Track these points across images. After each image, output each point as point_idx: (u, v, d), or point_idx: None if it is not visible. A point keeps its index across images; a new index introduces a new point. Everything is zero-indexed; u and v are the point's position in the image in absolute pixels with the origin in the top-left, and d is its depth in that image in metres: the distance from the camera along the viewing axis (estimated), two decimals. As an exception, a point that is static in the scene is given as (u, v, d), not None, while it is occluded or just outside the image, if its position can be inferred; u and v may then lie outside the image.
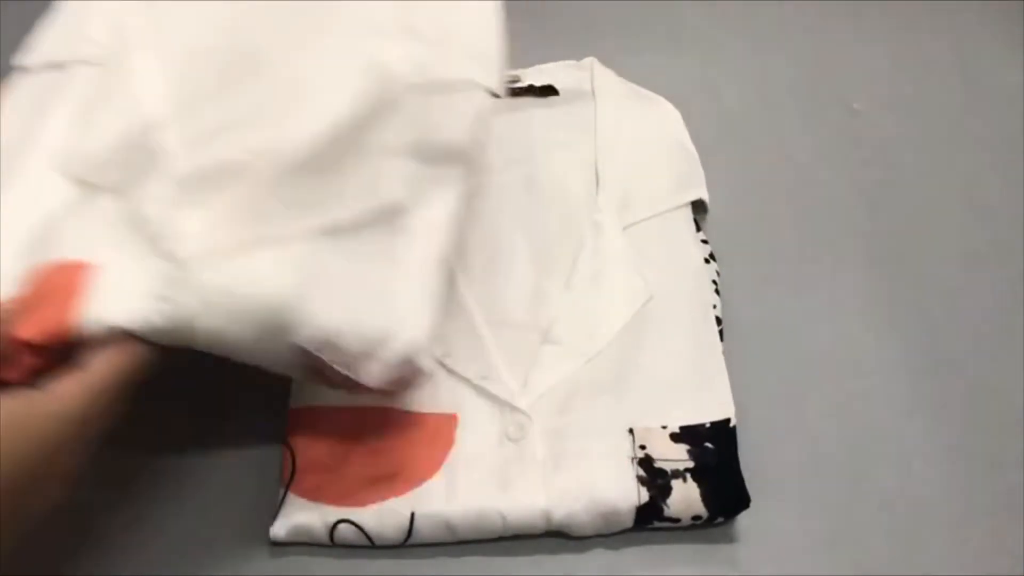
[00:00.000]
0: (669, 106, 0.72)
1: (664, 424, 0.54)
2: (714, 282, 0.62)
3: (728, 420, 0.55)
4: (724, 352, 0.58)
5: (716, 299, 0.61)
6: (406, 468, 0.54)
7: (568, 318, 0.59)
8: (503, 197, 0.64)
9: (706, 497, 0.52)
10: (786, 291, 0.64)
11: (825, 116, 0.75)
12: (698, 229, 0.65)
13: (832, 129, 0.74)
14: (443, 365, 0.57)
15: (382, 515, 0.52)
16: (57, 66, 0.50)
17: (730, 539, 0.53)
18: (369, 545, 0.52)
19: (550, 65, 0.75)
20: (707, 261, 0.63)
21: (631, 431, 0.54)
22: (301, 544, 0.53)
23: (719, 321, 0.60)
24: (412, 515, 0.51)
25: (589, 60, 0.74)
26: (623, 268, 0.61)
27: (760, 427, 0.56)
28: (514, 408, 0.55)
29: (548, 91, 0.71)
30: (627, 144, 0.68)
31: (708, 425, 0.54)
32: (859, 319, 0.62)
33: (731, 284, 0.62)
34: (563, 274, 0.61)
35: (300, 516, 0.52)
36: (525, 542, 0.53)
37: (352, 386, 0.47)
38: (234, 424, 0.57)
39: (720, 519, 0.52)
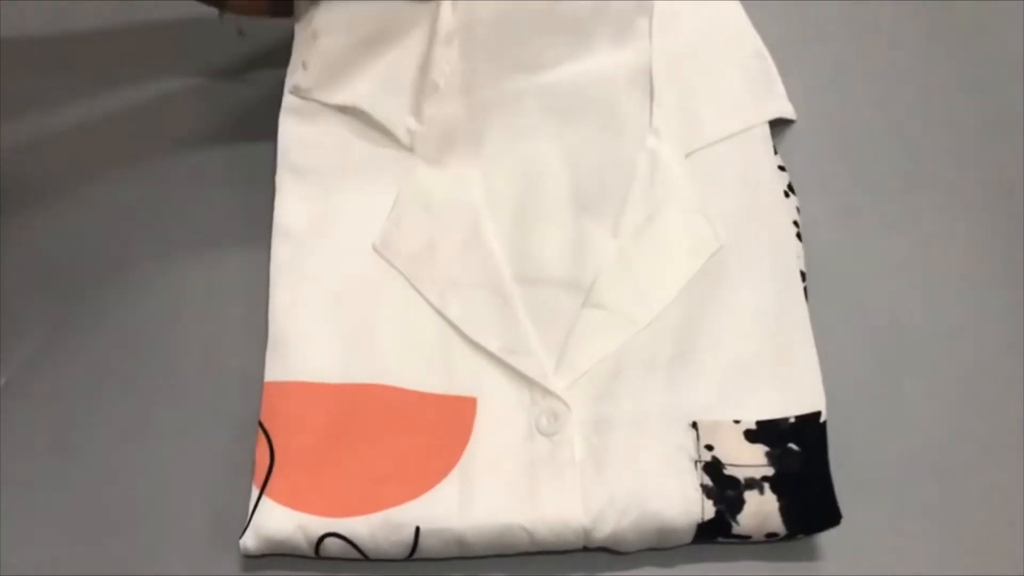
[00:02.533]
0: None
1: (737, 417, 0.43)
2: (795, 223, 0.49)
3: (818, 414, 0.43)
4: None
5: (799, 248, 0.49)
6: (410, 467, 0.43)
7: (616, 274, 0.47)
8: (536, 108, 0.52)
9: (787, 512, 0.41)
10: (878, 237, 0.51)
11: (934, 13, 0.60)
12: (775, 152, 0.52)
13: (943, 30, 0.59)
14: (459, 331, 0.45)
15: (379, 528, 0.41)
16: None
17: (811, 556, 0.43)
18: (362, 559, 0.41)
19: None
20: (786, 195, 0.50)
21: (695, 425, 0.43)
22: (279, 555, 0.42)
23: (803, 278, 0.47)
24: (417, 530, 0.41)
25: None
26: (685, 209, 0.49)
27: (846, 416, 0.45)
28: (547, 391, 0.44)
29: None
30: (687, 45, 0.54)
31: (793, 420, 0.43)
32: (969, 276, 0.50)
33: (808, 225, 0.50)
34: (610, 217, 0.49)
35: (277, 527, 0.41)
36: (554, 555, 0.43)
37: None
38: (196, 396, 0.46)
39: (800, 535, 0.42)
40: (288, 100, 0.52)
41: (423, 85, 0.51)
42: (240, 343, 0.47)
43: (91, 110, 0.55)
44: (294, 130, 0.51)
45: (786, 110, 0.54)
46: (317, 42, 0.52)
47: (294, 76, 0.52)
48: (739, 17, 0.57)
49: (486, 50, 0.52)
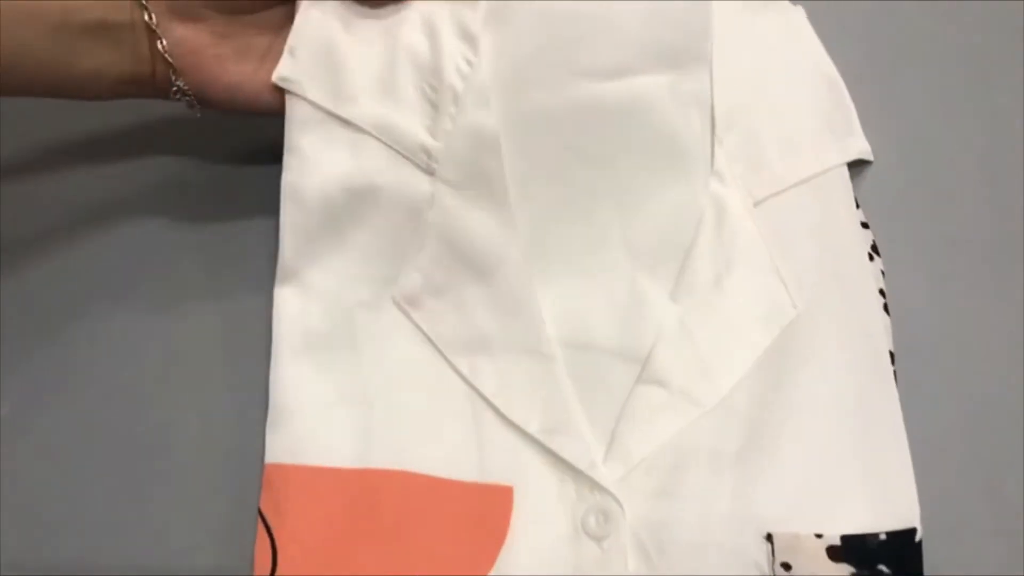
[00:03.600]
0: (794, 10, 0.50)
1: (819, 531, 0.37)
2: (881, 293, 0.43)
3: (913, 532, 0.37)
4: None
5: (887, 321, 0.42)
6: (437, 570, 0.37)
7: (676, 345, 0.40)
8: (589, 124, 0.42)
9: (874, 644, 0.35)
10: (973, 308, 0.45)
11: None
12: (857, 206, 0.45)
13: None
14: (492, 406, 0.39)
15: None
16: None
17: None
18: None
19: None
20: (871, 257, 0.44)
21: (769, 538, 0.37)
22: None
23: (892, 359, 0.41)
24: (444, 651, 0.35)
25: None
26: (756, 270, 0.42)
27: (940, 529, 0.39)
28: (595, 484, 0.38)
29: None
30: (750, 69, 0.46)
31: (884, 537, 0.37)
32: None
33: (891, 294, 0.44)
34: (670, 275, 0.42)
35: None
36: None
37: None
38: (188, 472, 0.40)
39: (886, 668, 0.36)
40: (293, 118, 0.42)
41: (435, 89, 0.41)
42: (238, 412, 0.41)
43: (88, 161, 0.48)
44: (297, 147, 0.42)
45: (864, 150, 0.47)
46: (308, 20, 0.42)
47: (281, 64, 0.42)
48: (808, 36, 0.50)
49: (527, 47, 0.42)
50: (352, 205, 0.41)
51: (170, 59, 0.40)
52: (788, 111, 0.46)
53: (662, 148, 0.43)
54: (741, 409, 0.39)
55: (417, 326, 0.41)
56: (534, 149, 0.42)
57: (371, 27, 0.42)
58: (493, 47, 0.42)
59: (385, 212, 0.41)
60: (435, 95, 0.41)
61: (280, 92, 0.42)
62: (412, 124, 0.41)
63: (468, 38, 0.42)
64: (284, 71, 0.42)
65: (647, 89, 0.42)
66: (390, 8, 0.43)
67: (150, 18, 0.40)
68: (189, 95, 0.42)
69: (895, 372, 0.41)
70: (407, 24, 0.42)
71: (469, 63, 0.41)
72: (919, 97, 0.50)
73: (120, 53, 0.40)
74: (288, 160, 0.41)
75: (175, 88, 0.41)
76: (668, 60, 0.43)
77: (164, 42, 0.40)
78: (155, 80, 0.41)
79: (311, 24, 0.42)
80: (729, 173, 0.43)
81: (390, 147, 0.41)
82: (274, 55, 0.42)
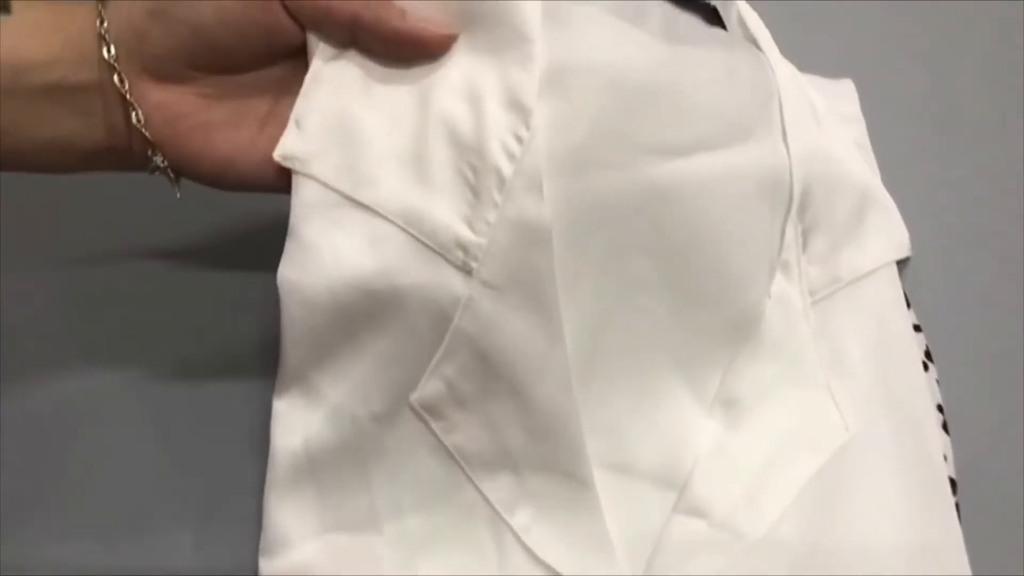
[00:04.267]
0: (829, 89, 0.47)
1: None
2: (939, 409, 0.39)
3: None
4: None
5: (947, 443, 0.39)
6: None
7: (717, 468, 0.37)
8: (645, 222, 0.35)
9: None
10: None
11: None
12: (908, 306, 0.41)
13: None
14: (520, 541, 0.35)
15: None
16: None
17: None
18: None
19: None
20: (926, 366, 0.40)
21: None
22: None
23: (954, 488, 0.37)
24: None
25: None
26: (807, 383, 0.38)
27: None
28: (632, 634, 0.34)
29: (713, 17, 0.41)
30: (814, 148, 0.40)
31: None
32: None
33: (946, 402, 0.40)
34: (711, 385, 0.38)
35: None
36: None
37: None
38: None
39: None
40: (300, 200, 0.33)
41: (477, 171, 0.33)
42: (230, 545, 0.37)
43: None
44: (302, 237, 0.33)
45: (906, 243, 0.43)
46: (318, 87, 0.34)
47: (285, 138, 0.33)
48: (852, 105, 0.47)
49: (589, 120, 0.34)
50: (369, 309, 0.33)
51: (146, 132, 0.32)
52: (848, 197, 0.41)
53: (729, 237, 0.36)
54: (788, 542, 0.36)
55: (437, 438, 0.35)
56: (588, 240, 0.34)
57: (398, 91, 0.34)
58: (549, 120, 0.33)
59: (409, 317, 0.33)
60: (476, 179, 0.32)
61: (285, 168, 0.33)
62: (447, 213, 0.32)
63: (519, 109, 0.32)
64: (289, 147, 0.33)
65: (721, 167, 0.36)
66: (422, 66, 0.34)
67: (121, 82, 0.32)
68: (169, 171, 0.34)
69: (957, 504, 0.37)
70: (443, 87, 0.33)
71: (520, 140, 0.32)
72: (958, 181, 0.46)
73: (88, 122, 0.32)
74: (290, 249, 0.33)
75: (153, 165, 0.34)
76: (743, 130, 0.36)
77: (139, 112, 0.32)
78: (132, 154, 0.33)
79: (323, 88, 0.33)
80: (796, 266, 0.38)
81: (418, 240, 0.33)
82: (276, 121, 0.34)
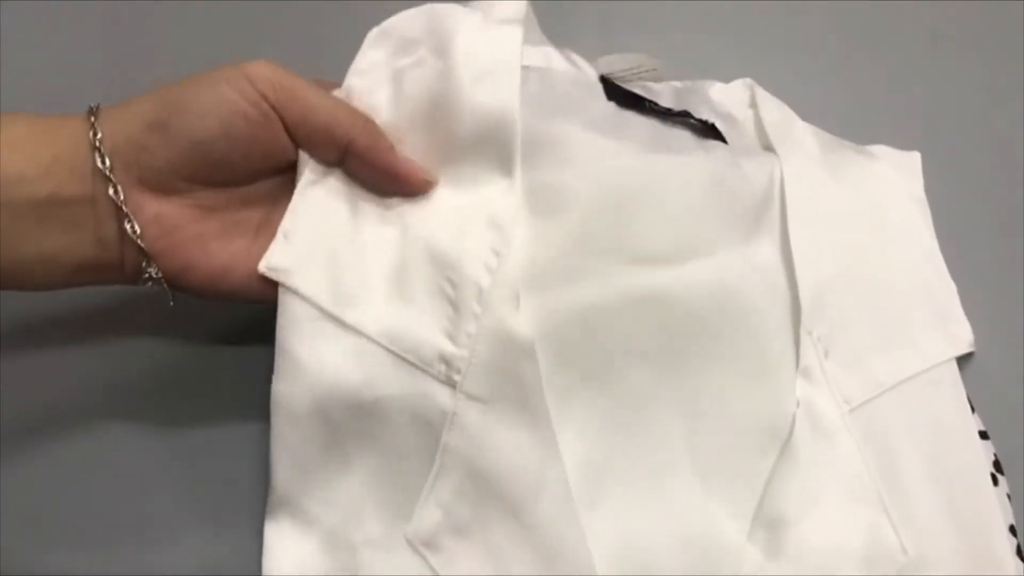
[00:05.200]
0: (894, 162, 0.43)
1: None
2: (1012, 530, 0.35)
3: None
4: None
5: (1020, 566, 0.34)
6: None
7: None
8: (646, 323, 0.35)
9: None
10: None
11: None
12: (972, 410, 0.37)
13: None
14: None
15: None
16: None
17: None
18: None
19: (670, 84, 0.44)
20: (994, 480, 0.36)
21: None
22: None
23: (1033, 624, 0.33)
24: None
25: (744, 83, 0.44)
26: (857, 498, 0.34)
27: None
28: None
29: (710, 132, 0.41)
30: (845, 242, 0.39)
31: None
32: None
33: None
34: (746, 503, 0.34)
35: None
36: None
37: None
38: None
39: None
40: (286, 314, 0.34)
41: (456, 285, 0.33)
42: None
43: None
44: (288, 350, 0.33)
45: (967, 339, 0.39)
46: (306, 204, 0.34)
47: (271, 250, 0.34)
48: (912, 194, 0.43)
49: (569, 232, 0.35)
50: (356, 423, 0.33)
51: (142, 243, 0.32)
52: (885, 292, 0.38)
53: (736, 343, 0.35)
54: None
55: (429, 565, 0.33)
56: (579, 353, 0.34)
57: (383, 211, 0.35)
58: (528, 234, 0.34)
59: (397, 431, 0.33)
60: (455, 293, 0.33)
61: (274, 280, 0.34)
62: (428, 329, 0.33)
63: (499, 228, 0.34)
64: (275, 259, 0.33)
65: (714, 273, 0.35)
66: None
67: (116, 193, 0.31)
68: (163, 282, 0.34)
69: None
70: (427, 208, 0.35)
71: (497, 254, 0.33)
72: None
73: (78, 236, 0.32)
74: (279, 364, 0.33)
75: (147, 276, 0.33)
76: (737, 234, 0.36)
77: (135, 224, 0.32)
78: (123, 267, 0.33)
79: (312, 204, 0.34)
80: (819, 371, 0.36)
81: (401, 356, 0.33)
82: (269, 231, 0.34)
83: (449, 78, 0.34)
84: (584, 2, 0.49)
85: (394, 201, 0.35)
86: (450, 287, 0.33)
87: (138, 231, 0.32)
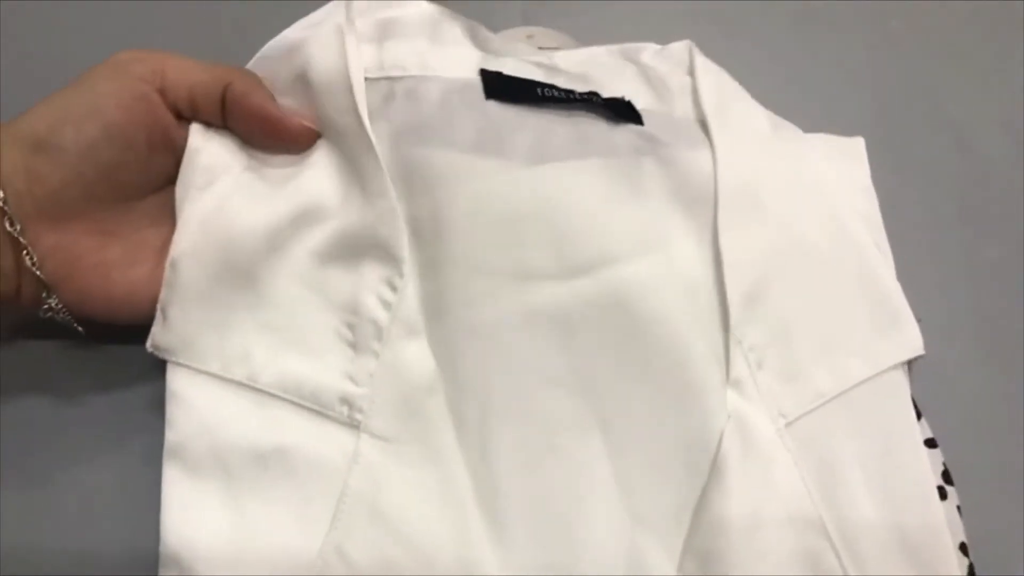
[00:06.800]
0: (837, 148, 0.41)
1: None
2: (963, 548, 0.32)
3: None
4: None
5: (974, 594, 0.32)
6: None
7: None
8: (549, 345, 0.33)
9: None
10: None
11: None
12: (919, 417, 0.35)
13: None
14: None
15: None
16: None
17: None
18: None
19: (593, 50, 0.42)
20: (942, 493, 0.33)
21: None
22: None
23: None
24: None
25: (684, 46, 0.41)
26: (795, 522, 0.32)
27: None
28: None
29: (623, 111, 0.38)
30: (777, 243, 0.36)
31: None
32: None
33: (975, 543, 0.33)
34: (677, 531, 0.32)
35: None
36: None
37: None
38: None
39: None
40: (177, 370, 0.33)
41: (353, 328, 0.32)
42: None
43: None
44: (182, 397, 0.32)
45: (915, 341, 0.36)
46: (176, 274, 0.33)
47: (153, 330, 0.33)
48: (858, 182, 0.40)
49: (467, 253, 0.34)
50: (254, 473, 0.31)
51: (40, 274, 0.31)
52: (828, 292, 0.36)
53: (650, 358, 0.33)
54: None
55: None
56: (484, 381, 0.32)
57: (263, 265, 0.33)
58: (417, 263, 0.33)
59: (298, 480, 0.31)
60: (353, 335, 0.32)
61: None
62: (326, 373, 0.32)
63: (391, 260, 0.33)
64: (156, 339, 0.32)
65: (614, 284, 0.34)
66: (287, 236, 0.33)
67: (13, 226, 0.30)
68: (64, 314, 0.32)
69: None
70: (311, 254, 0.33)
71: (394, 288, 0.32)
72: (983, 264, 0.40)
73: None
74: (172, 413, 0.32)
75: (46, 307, 0.32)
76: (650, 236, 0.34)
77: (33, 255, 0.31)
78: (20, 299, 0.32)
79: (185, 271, 0.33)
80: (752, 384, 0.33)
81: (300, 404, 0.32)
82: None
83: (306, 93, 0.35)
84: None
85: (274, 255, 0.33)
86: (348, 330, 0.32)
87: (37, 262, 0.31)
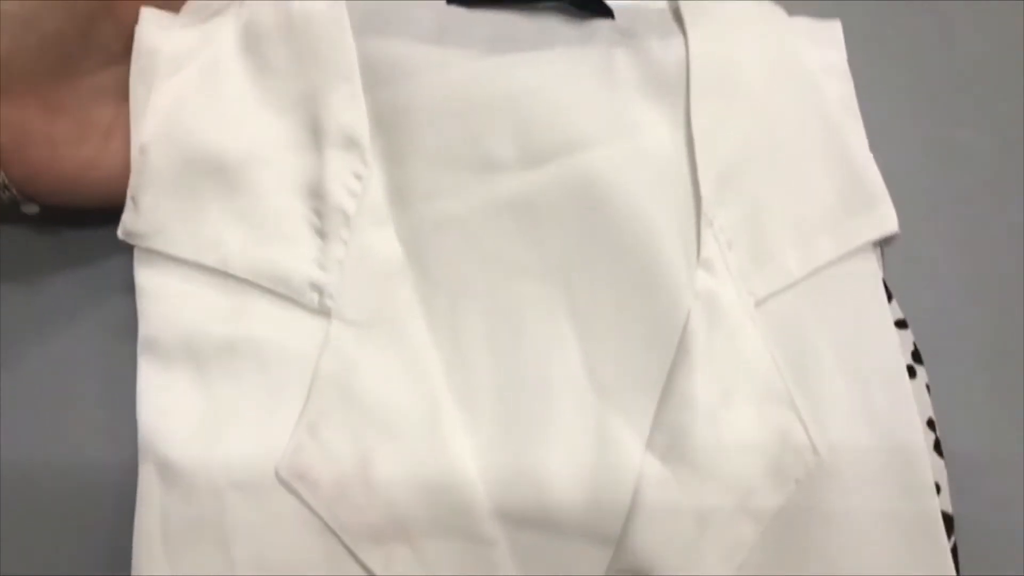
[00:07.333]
0: (812, 31, 0.40)
1: None
2: (930, 424, 0.33)
3: None
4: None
5: (940, 466, 0.32)
6: None
7: (658, 513, 0.30)
8: (517, 231, 0.33)
9: None
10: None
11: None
12: (890, 298, 0.34)
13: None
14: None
15: None
16: None
17: None
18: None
19: None
20: (911, 372, 0.33)
21: None
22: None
23: (950, 528, 0.31)
24: None
25: None
26: (764, 397, 0.32)
27: None
28: None
29: (593, 7, 0.37)
30: (750, 124, 0.35)
31: None
32: None
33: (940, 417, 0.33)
34: (645, 410, 0.32)
35: None
36: None
37: None
38: None
39: None
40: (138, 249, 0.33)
41: (320, 214, 0.32)
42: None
43: None
44: (151, 291, 0.32)
45: (890, 221, 0.36)
46: (146, 161, 0.33)
47: (124, 217, 0.33)
48: (834, 66, 0.39)
49: (430, 144, 0.34)
50: (225, 361, 0.31)
51: None
52: (801, 173, 0.35)
53: (625, 243, 0.33)
54: None
55: (311, 509, 0.30)
56: (453, 271, 0.33)
57: (232, 151, 0.33)
58: (382, 154, 0.34)
59: (269, 366, 0.31)
60: (322, 222, 0.32)
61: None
62: (296, 259, 0.32)
63: (355, 146, 0.33)
64: (128, 225, 0.32)
65: (578, 169, 0.33)
66: (254, 126, 0.33)
67: None
68: (12, 191, 0.32)
69: (955, 548, 0.30)
70: (277, 141, 0.33)
71: (359, 177, 0.33)
72: (959, 146, 0.39)
73: None
74: (143, 307, 0.32)
75: None
76: (617, 124, 0.34)
77: None
78: None
79: (154, 156, 0.33)
80: (722, 263, 0.33)
81: (271, 290, 0.32)
82: (119, 134, 0.33)
83: None
84: None
85: (241, 138, 0.33)
86: (316, 217, 0.32)
87: None
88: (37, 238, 0.35)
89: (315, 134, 0.33)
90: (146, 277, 0.32)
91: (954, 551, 0.30)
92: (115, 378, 0.32)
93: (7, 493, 0.31)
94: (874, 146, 0.37)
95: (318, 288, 0.32)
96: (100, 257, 0.35)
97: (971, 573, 0.30)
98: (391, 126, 0.34)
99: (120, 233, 0.32)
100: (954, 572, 0.30)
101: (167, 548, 0.29)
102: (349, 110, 0.33)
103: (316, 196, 0.32)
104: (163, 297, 0.32)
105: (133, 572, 0.29)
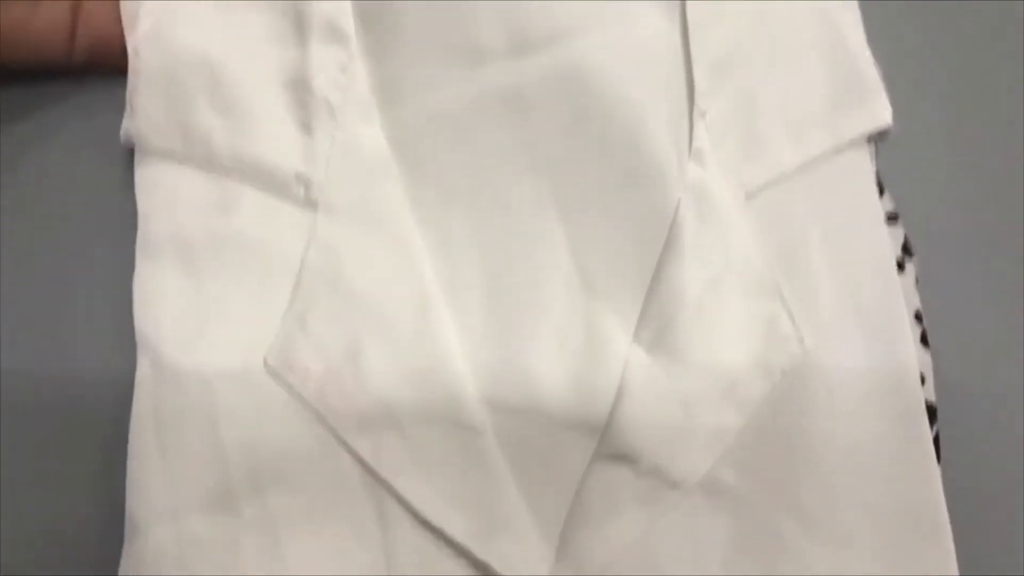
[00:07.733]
0: None
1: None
2: (918, 317, 0.33)
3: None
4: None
5: (927, 360, 0.32)
6: None
7: (644, 402, 0.30)
8: (504, 124, 0.33)
9: None
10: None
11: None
12: (881, 192, 0.34)
13: None
14: (402, 501, 0.30)
15: None
16: None
17: None
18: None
19: None
20: (900, 267, 0.33)
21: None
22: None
23: (933, 416, 0.31)
24: None
25: None
26: (751, 289, 0.32)
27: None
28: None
29: None
30: (746, 15, 0.34)
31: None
32: None
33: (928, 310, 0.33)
34: (633, 302, 0.32)
35: None
36: None
37: None
38: None
39: None
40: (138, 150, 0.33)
41: (306, 108, 0.32)
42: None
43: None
44: (146, 188, 0.33)
45: (884, 114, 0.35)
46: (139, 61, 0.33)
47: (124, 123, 0.33)
48: None
49: (416, 36, 0.33)
50: (213, 254, 0.32)
51: None
52: (795, 63, 0.34)
53: (615, 134, 0.32)
54: (731, 487, 0.30)
55: (300, 397, 0.30)
56: (441, 165, 0.33)
57: (219, 45, 0.33)
58: (368, 50, 0.33)
59: (257, 259, 0.32)
60: (307, 115, 0.32)
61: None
62: (282, 153, 0.32)
63: (339, 38, 0.33)
64: (129, 129, 0.33)
65: (568, 58, 0.33)
66: (240, 19, 0.34)
67: None
68: None
69: (937, 437, 0.31)
70: (263, 33, 0.34)
71: (344, 70, 0.33)
72: (956, 32, 0.38)
73: None
74: (139, 206, 0.32)
75: None
76: (608, 11, 0.33)
77: None
78: None
79: (148, 54, 0.33)
80: (713, 154, 0.33)
81: (259, 184, 0.32)
82: None
83: None
84: None
85: (229, 28, 0.33)
86: (302, 110, 0.32)
87: None
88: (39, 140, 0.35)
89: (299, 27, 0.33)
90: (143, 176, 0.32)
91: (936, 440, 0.31)
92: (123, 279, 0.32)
93: (7, 396, 0.32)
94: (870, 34, 0.36)
95: (304, 180, 0.32)
96: (106, 158, 0.34)
97: (952, 464, 0.31)
98: (376, 21, 0.33)
99: (122, 138, 0.33)
100: (936, 467, 0.31)
101: (158, 434, 0.30)
102: (333, 6, 0.33)
103: (301, 89, 0.32)
104: (156, 194, 0.32)
105: (128, 460, 0.30)
